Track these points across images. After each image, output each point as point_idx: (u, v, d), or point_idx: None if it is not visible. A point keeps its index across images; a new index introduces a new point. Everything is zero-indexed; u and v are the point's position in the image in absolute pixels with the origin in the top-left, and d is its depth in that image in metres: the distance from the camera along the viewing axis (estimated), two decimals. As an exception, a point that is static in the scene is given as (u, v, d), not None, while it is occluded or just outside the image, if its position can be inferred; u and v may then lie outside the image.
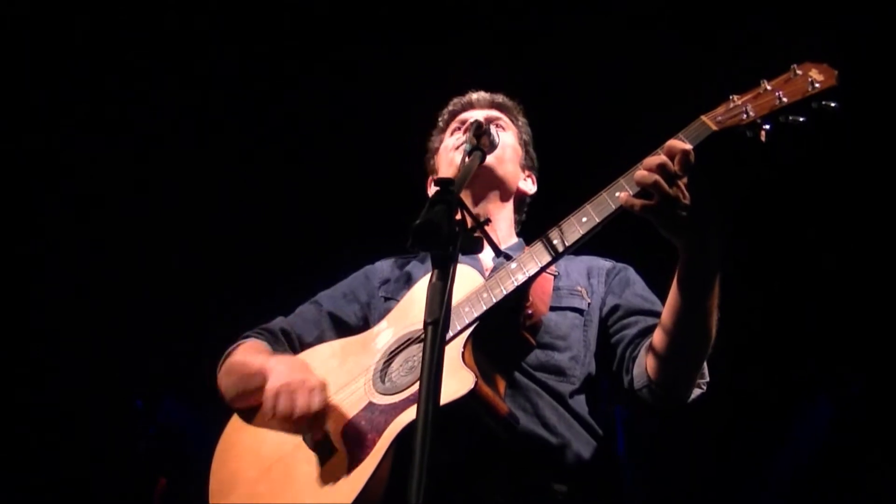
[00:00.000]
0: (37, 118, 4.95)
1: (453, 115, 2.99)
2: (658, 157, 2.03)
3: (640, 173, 2.04)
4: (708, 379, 2.36)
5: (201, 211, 5.23)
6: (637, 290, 2.57)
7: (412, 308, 2.49)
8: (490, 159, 2.57)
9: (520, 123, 2.99)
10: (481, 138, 2.28)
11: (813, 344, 5.18)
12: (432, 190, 2.94)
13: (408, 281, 2.69)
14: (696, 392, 2.34)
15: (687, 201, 2.02)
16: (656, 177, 2.01)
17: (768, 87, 2.10)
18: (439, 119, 3.05)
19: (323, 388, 2.36)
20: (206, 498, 2.52)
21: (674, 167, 2.01)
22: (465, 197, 2.68)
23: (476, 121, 2.41)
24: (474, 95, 2.99)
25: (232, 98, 5.06)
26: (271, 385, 2.32)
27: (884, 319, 4.94)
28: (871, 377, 5.15)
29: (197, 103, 5.04)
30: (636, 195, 2.07)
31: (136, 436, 5.16)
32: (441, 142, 2.97)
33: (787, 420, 5.54)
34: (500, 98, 3.00)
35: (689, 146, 2.04)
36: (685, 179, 2.02)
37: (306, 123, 5.14)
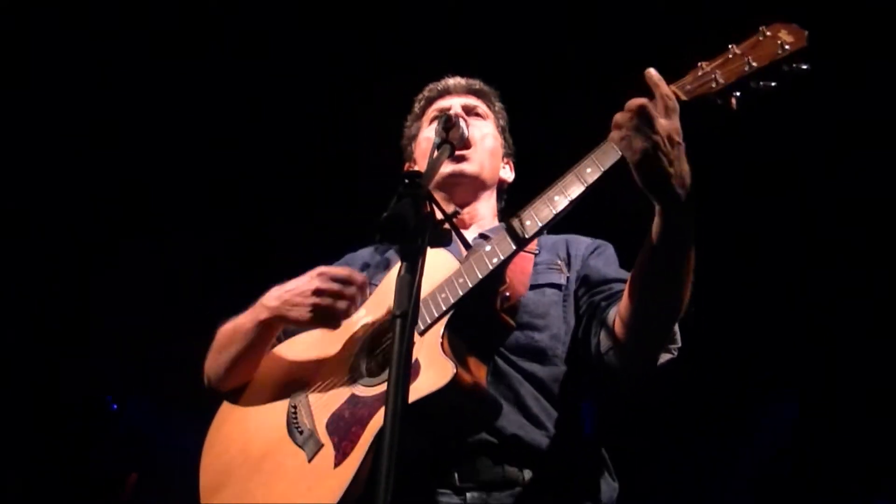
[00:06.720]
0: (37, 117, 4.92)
1: (430, 101, 2.95)
2: (637, 100, 1.96)
3: (619, 115, 1.98)
4: (679, 344, 2.29)
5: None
6: (610, 261, 2.52)
7: (390, 294, 2.43)
8: (469, 166, 2.66)
9: (496, 109, 2.95)
10: (450, 132, 2.25)
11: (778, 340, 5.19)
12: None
13: (387, 266, 2.64)
14: (666, 357, 2.28)
15: (672, 152, 1.93)
16: (631, 116, 1.94)
17: (737, 52, 2.04)
18: (415, 104, 3.01)
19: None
20: (192, 493, 2.48)
21: (654, 111, 1.94)
22: (446, 194, 2.70)
23: (445, 114, 2.37)
24: (451, 81, 2.95)
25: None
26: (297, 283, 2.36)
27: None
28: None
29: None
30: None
31: (107, 435, 5.25)
32: (419, 129, 2.93)
33: (752, 417, 5.58)
34: (476, 84, 2.95)
35: (669, 91, 1.98)
36: (670, 130, 1.94)
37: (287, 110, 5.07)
